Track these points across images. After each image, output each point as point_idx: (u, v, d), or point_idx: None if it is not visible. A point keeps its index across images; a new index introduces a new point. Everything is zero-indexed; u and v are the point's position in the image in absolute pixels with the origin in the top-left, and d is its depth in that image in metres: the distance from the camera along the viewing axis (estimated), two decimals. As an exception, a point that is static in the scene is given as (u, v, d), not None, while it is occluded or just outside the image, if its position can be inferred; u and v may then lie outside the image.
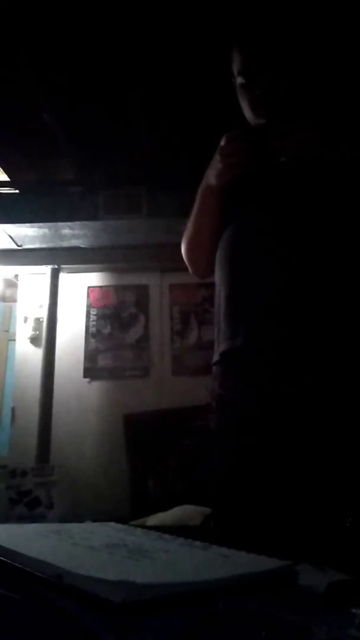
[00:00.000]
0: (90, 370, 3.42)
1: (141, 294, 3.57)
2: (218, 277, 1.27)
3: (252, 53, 1.26)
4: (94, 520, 0.85)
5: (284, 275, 1.13)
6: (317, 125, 1.15)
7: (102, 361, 3.44)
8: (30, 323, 3.52)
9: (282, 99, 1.24)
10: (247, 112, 1.30)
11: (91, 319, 3.53)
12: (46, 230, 3.22)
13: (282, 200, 1.17)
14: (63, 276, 3.53)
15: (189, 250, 1.39)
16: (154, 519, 2.60)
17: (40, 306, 3.48)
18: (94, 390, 3.40)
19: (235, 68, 1.28)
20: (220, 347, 1.21)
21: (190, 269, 1.43)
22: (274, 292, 1.13)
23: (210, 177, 1.21)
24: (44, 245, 3.42)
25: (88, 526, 0.76)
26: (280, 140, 1.11)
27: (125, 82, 2.30)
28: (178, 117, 2.48)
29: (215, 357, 1.23)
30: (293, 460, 1.05)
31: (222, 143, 1.16)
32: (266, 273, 1.15)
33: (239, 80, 1.27)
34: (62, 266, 3.52)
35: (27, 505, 2.81)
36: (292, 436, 1.06)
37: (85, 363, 3.43)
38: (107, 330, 3.50)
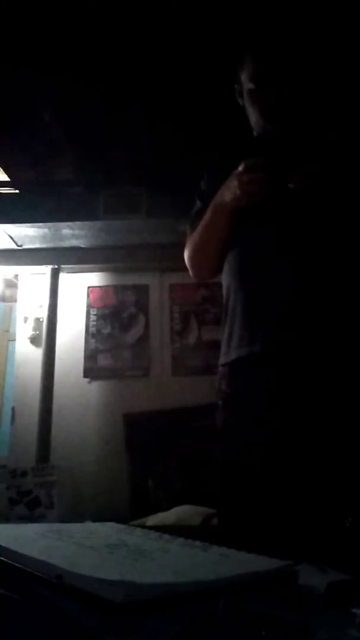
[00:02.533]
0: (90, 370, 3.42)
1: (141, 294, 3.56)
2: (230, 283, 1.30)
3: (265, 59, 1.27)
4: (94, 520, 0.85)
5: (299, 284, 1.18)
6: (325, 161, 1.17)
7: (102, 361, 3.44)
8: (30, 323, 3.51)
9: (292, 106, 1.26)
10: (256, 118, 1.31)
11: (91, 319, 3.53)
12: (46, 230, 3.22)
13: (294, 215, 1.19)
14: (63, 276, 3.53)
15: (194, 258, 1.43)
16: (154, 519, 2.60)
17: (40, 306, 3.48)
18: (94, 390, 3.40)
19: (245, 74, 1.30)
20: (235, 352, 1.23)
21: (191, 273, 1.46)
22: (290, 300, 1.17)
23: (227, 197, 1.24)
24: (44, 245, 3.41)
25: (88, 526, 0.76)
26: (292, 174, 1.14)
27: (126, 81, 2.29)
28: (178, 118, 2.48)
29: (226, 359, 1.25)
30: (297, 460, 1.06)
31: (241, 169, 1.18)
32: (282, 282, 1.19)
33: (249, 85, 1.29)
34: (62, 266, 3.51)
35: (27, 505, 2.81)
36: (299, 437, 1.08)
37: (85, 363, 3.43)
38: (107, 330, 3.50)
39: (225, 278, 1.33)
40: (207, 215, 1.32)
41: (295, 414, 1.10)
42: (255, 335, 1.19)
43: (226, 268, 1.32)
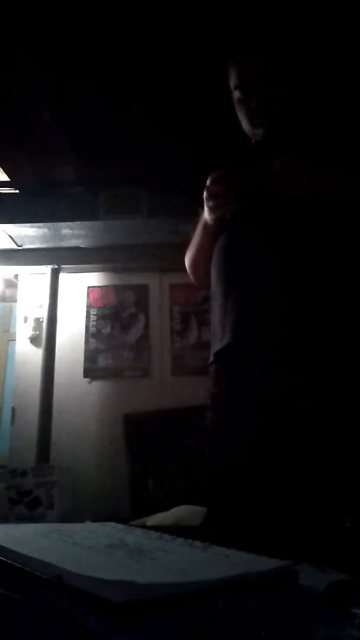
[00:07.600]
0: (90, 370, 3.42)
1: (141, 294, 3.57)
2: (212, 280, 1.31)
3: (246, 65, 1.28)
4: (94, 520, 0.85)
5: (270, 277, 1.18)
6: (303, 157, 1.16)
7: (102, 361, 3.44)
8: (30, 323, 3.51)
9: (277, 109, 1.27)
10: (245, 124, 1.33)
11: (91, 319, 3.53)
12: (46, 230, 3.22)
13: (270, 213, 1.21)
14: (63, 276, 3.53)
15: (191, 265, 1.47)
16: (154, 519, 2.60)
17: (40, 306, 3.48)
18: (94, 390, 3.40)
19: (231, 83, 1.31)
20: (214, 348, 1.24)
21: (192, 279, 1.48)
22: (261, 293, 1.18)
23: (206, 211, 1.25)
24: (44, 245, 3.41)
25: (88, 526, 0.76)
26: (275, 181, 1.13)
27: (126, 81, 2.29)
28: (179, 118, 2.48)
29: (210, 358, 1.26)
30: (290, 459, 1.06)
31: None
32: (253, 275, 1.21)
33: (236, 94, 1.31)
34: (62, 266, 3.52)
35: (27, 505, 2.81)
36: (286, 434, 1.08)
37: (85, 363, 3.43)
38: (107, 330, 3.50)
39: (211, 277, 1.35)
40: (197, 225, 1.36)
41: (279, 411, 1.09)
42: (226, 328, 1.20)
43: (211, 267, 1.34)
